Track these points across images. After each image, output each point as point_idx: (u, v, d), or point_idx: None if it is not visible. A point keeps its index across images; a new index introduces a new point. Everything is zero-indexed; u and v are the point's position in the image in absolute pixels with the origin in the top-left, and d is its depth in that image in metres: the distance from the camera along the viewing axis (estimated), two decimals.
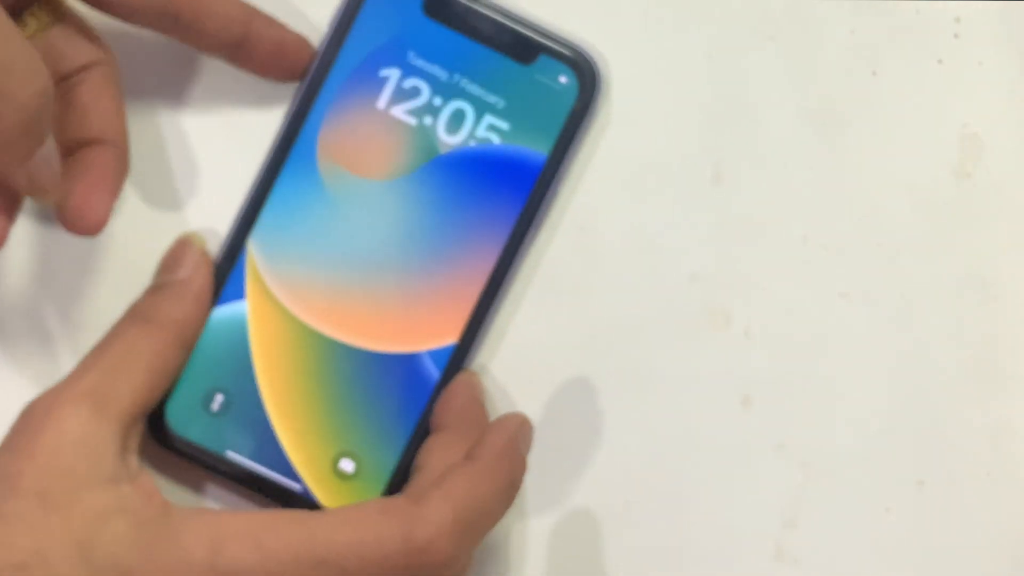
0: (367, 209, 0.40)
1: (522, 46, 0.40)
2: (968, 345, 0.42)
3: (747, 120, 0.42)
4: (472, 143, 0.40)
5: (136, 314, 0.39)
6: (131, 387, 0.37)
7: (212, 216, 0.41)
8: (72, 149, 0.38)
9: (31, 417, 0.36)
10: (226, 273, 0.40)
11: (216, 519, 0.35)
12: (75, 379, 0.37)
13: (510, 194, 0.40)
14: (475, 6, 0.40)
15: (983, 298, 0.42)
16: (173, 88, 0.41)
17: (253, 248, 0.40)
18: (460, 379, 0.40)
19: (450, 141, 0.40)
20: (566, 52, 0.40)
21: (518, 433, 0.38)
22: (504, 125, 0.40)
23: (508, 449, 0.37)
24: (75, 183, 0.38)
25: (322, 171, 0.40)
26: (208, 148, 0.42)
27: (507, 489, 0.37)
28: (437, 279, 0.40)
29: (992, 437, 0.42)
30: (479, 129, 0.40)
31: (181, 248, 0.40)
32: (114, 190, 0.38)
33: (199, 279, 0.39)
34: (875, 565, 0.42)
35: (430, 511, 0.35)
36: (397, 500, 0.36)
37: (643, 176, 0.42)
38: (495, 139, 0.40)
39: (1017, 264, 0.42)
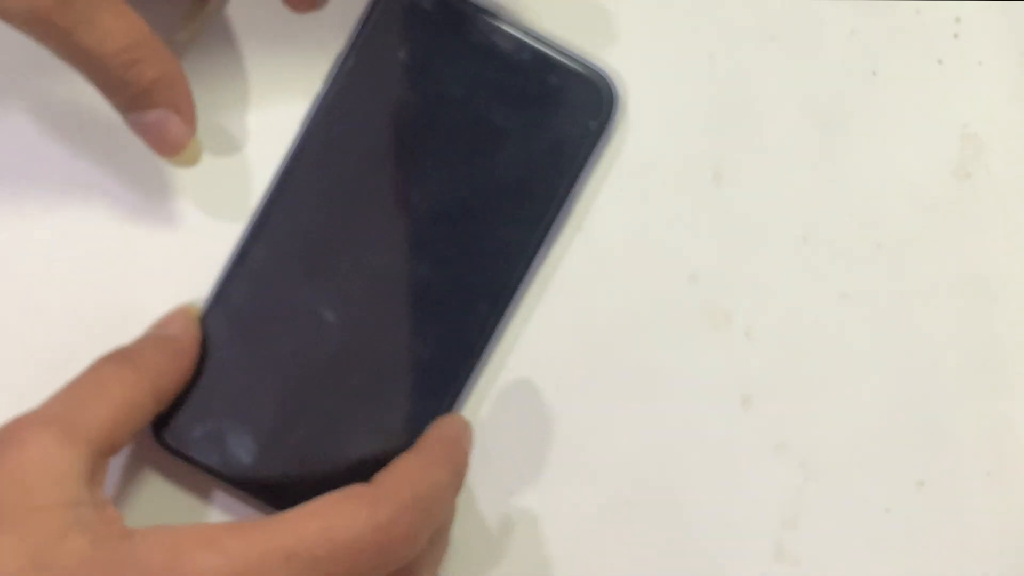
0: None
1: (540, 65, 0.40)
2: (968, 345, 0.42)
3: (748, 120, 0.42)
4: (487, 159, 0.40)
5: (117, 354, 0.39)
6: (98, 418, 0.36)
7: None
8: None
9: None
10: None
11: (176, 529, 0.35)
12: (45, 406, 0.36)
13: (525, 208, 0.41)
14: (496, 23, 0.40)
15: (983, 298, 0.42)
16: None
17: None
18: (449, 418, 0.41)
19: (466, 155, 0.40)
20: (585, 73, 0.40)
21: (461, 430, 0.39)
22: (521, 142, 0.40)
23: (450, 440, 0.39)
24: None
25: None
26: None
27: (454, 476, 0.38)
28: None
29: (992, 437, 0.42)
30: (495, 144, 0.40)
31: (176, 311, 0.41)
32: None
33: (185, 338, 0.40)
34: (875, 565, 0.42)
35: (389, 491, 0.36)
36: (356, 487, 0.36)
37: (644, 176, 0.42)
38: (511, 155, 0.40)
39: (1017, 264, 0.42)
